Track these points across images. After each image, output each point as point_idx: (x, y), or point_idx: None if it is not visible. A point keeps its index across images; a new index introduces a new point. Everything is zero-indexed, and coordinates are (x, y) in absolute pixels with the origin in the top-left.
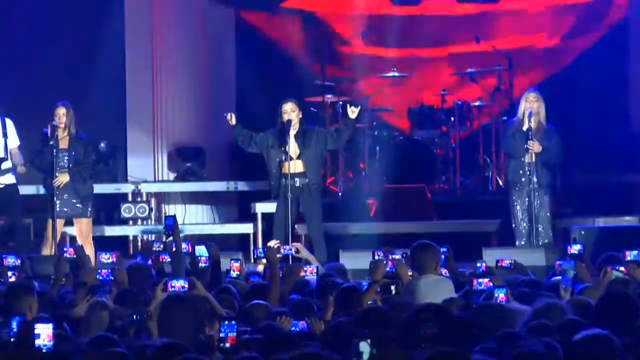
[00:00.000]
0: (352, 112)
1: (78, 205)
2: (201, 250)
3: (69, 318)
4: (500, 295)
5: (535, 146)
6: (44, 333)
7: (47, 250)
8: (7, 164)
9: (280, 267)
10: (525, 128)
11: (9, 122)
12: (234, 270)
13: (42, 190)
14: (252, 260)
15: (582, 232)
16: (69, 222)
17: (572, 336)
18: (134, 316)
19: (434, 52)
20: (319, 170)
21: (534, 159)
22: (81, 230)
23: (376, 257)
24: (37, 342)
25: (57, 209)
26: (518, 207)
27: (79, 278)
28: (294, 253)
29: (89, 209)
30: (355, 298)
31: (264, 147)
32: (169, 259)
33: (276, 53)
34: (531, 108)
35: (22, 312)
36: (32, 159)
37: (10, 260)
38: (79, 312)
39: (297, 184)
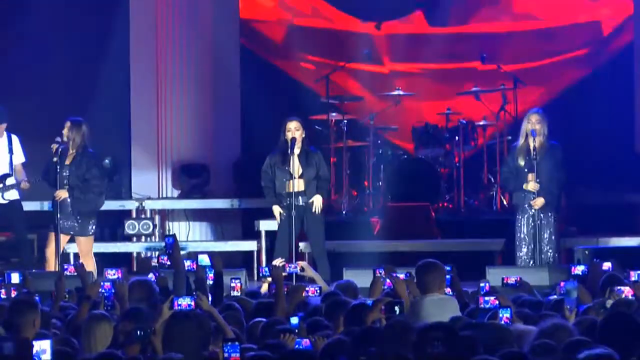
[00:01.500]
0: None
1: (77, 223)
2: (204, 260)
3: (75, 334)
4: (505, 316)
5: (537, 202)
6: (44, 350)
7: (50, 265)
8: (11, 180)
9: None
10: (528, 147)
11: (15, 139)
12: (234, 290)
13: (46, 207)
14: (256, 278)
15: (586, 252)
16: (72, 238)
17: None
18: (138, 332)
19: (439, 70)
20: (322, 188)
21: (537, 179)
22: (80, 248)
23: (377, 275)
24: (43, 358)
25: (60, 225)
26: (521, 229)
27: (84, 292)
28: (299, 271)
29: (89, 227)
30: (363, 316)
31: (274, 175)
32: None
33: (281, 70)
34: (534, 129)
35: (25, 328)
36: (43, 175)
37: (13, 277)
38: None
39: (300, 203)
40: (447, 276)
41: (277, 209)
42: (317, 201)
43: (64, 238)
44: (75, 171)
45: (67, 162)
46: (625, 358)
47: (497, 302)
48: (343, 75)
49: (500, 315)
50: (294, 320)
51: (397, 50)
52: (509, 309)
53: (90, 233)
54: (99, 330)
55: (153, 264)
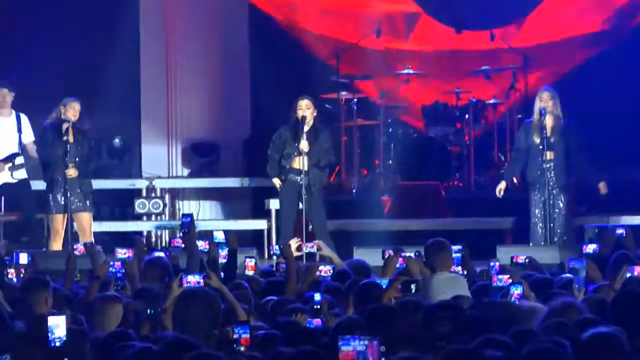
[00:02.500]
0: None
1: (79, 200)
2: (218, 236)
3: (85, 313)
4: (516, 292)
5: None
6: (58, 326)
7: (57, 245)
8: (20, 159)
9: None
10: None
11: (24, 118)
12: (248, 269)
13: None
14: (267, 257)
15: (596, 231)
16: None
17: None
18: (149, 310)
19: (448, 49)
20: (324, 168)
21: (551, 157)
22: (82, 225)
23: (389, 255)
24: (51, 335)
25: (62, 204)
26: (535, 207)
27: (93, 272)
28: (315, 250)
29: (90, 204)
30: (374, 295)
31: (281, 146)
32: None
33: (291, 48)
34: (545, 106)
35: (37, 307)
36: (38, 148)
37: (22, 257)
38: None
39: (301, 181)
40: (458, 255)
41: (276, 181)
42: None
43: (63, 217)
44: (80, 150)
45: (70, 141)
46: (635, 337)
47: (510, 281)
48: (354, 54)
49: (512, 291)
50: (317, 296)
51: (407, 29)
52: (520, 285)
53: (90, 210)
54: (110, 311)
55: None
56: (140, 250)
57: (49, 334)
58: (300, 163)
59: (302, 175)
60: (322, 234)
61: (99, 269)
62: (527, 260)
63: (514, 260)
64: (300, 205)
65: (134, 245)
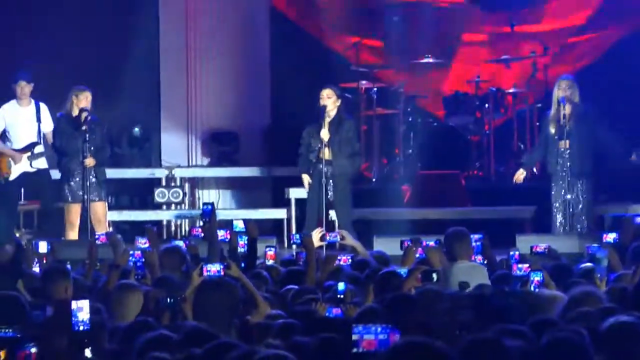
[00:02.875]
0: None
1: (94, 189)
2: (238, 225)
3: (104, 302)
4: (536, 279)
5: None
6: (82, 309)
7: (74, 234)
8: (39, 148)
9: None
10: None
11: (44, 107)
12: (268, 259)
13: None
14: (286, 246)
15: (616, 220)
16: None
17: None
18: (168, 299)
19: (469, 37)
20: (350, 157)
21: (568, 146)
22: (97, 215)
23: (406, 246)
24: (75, 319)
25: (78, 193)
26: (555, 196)
27: (114, 261)
28: (339, 240)
29: (105, 193)
30: (394, 284)
31: (309, 142)
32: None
33: (311, 37)
34: (564, 95)
35: (57, 295)
36: (55, 139)
37: (41, 246)
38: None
39: (327, 170)
40: (478, 244)
41: (305, 178)
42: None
43: (77, 207)
44: (94, 139)
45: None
46: None
47: (529, 270)
48: (373, 44)
49: (532, 278)
50: (341, 286)
51: (427, 19)
52: (540, 272)
53: (106, 199)
54: (129, 299)
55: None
56: (153, 239)
57: (73, 318)
58: (323, 153)
59: (328, 165)
60: (346, 223)
61: (119, 258)
62: (546, 250)
63: (534, 250)
64: (330, 194)
65: (146, 235)
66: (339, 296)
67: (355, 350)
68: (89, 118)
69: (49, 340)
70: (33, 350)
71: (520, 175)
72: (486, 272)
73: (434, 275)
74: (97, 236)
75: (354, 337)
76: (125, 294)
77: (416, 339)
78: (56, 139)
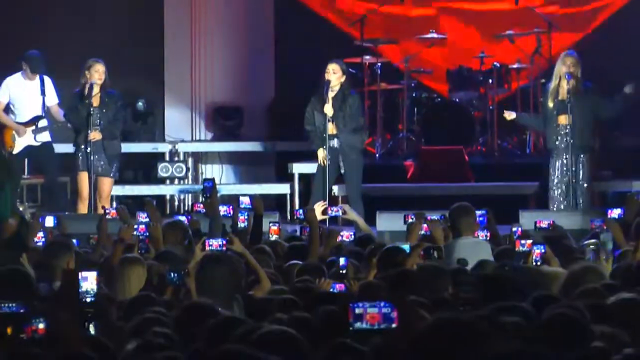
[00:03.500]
0: None
1: (103, 164)
2: (244, 202)
3: (108, 277)
4: (537, 252)
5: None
6: (89, 280)
7: (84, 207)
8: (43, 122)
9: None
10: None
11: (47, 80)
12: (272, 234)
13: None
14: (289, 220)
15: (620, 196)
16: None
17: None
18: (172, 274)
19: (472, 12)
20: (355, 132)
21: (571, 122)
22: (101, 189)
23: (413, 221)
24: (82, 288)
25: (87, 164)
26: (554, 172)
27: (117, 235)
28: (341, 214)
29: (113, 170)
30: (397, 260)
31: (312, 112)
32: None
33: (315, 12)
34: (569, 72)
35: (59, 270)
36: (67, 114)
37: (48, 220)
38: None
39: (334, 145)
40: (482, 219)
41: (321, 152)
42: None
43: (87, 179)
44: (106, 113)
45: (95, 104)
46: None
47: (532, 246)
48: (377, 18)
49: (534, 250)
50: (342, 261)
51: None
52: (542, 245)
53: (113, 175)
54: (133, 273)
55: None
56: (152, 213)
57: (80, 289)
58: (329, 128)
59: (334, 139)
60: (354, 197)
61: (123, 233)
62: (550, 225)
63: (537, 225)
64: (341, 169)
65: (145, 209)
66: (341, 271)
67: (358, 324)
68: (95, 91)
69: (56, 313)
70: (41, 325)
71: (509, 114)
72: (489, 248)
73: (435, 253)
74: (107, 210)
75: (358, 311)
76: (128, 267)
77: (449, 315)
78: (67, 114)
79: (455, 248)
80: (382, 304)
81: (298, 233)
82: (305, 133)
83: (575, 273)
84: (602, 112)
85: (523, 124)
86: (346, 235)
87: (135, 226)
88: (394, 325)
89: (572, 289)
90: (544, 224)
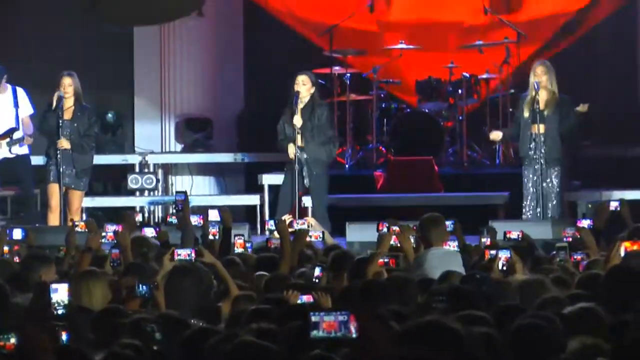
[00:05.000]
0: None
1: (72, 176)
2: (213, 215)
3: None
4: (504, 257)
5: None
6: (60, 291)
7: (54, 218)
8: (18, 134)
9: None
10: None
11: (20, 91)
12: (238, 247)
13: None
14: (259, 232)
15: (590, 206)
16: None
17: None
18: (140, 286)
19: (441, 23)
20: (323, 144)
21: (542, 131)
22: (70, 201)
23: (382, 229)
24: (53, 300)
25: (56, 176)
26: (527, 181)
27: (85, 244)
28: (306, 227)
29: (83, 183)
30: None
31: (283, 125)
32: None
33: (284, 24)
34: (539, 81)
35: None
36: (39, 125)
37: (16, 233)
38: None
39: (301, 157)
40: (449, 229)
41: (291, 148)
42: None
43: (57, 189)
44: (77, 127)
45: (67, 117)
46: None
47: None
48: (346, 29)
49: (500, 255)
50: (317, 270)
51: (400, 3)
52: (507, 250)
53: (82, 189)
54: (93, 287)
55: (137, 218)
56: (130, 225)
57: (51, 301)
58: (297, 139)
59: (302, 151)
60: (320, 210)
61: (91, 241)
62: (519, 236)
63: (507, 235)
64: (305, 180)
65: (123, 220)
66: (314, 280)
67: (315, 333)
68: (67, 105)
69: (26, 327)
70: (12, 340)
71: (496, 136)
72: (460, 258)
73: (398, 261)
74: (75, 223)
75: (314, 319)
76: (88, 281)
77: (427, 319)
78: (38, 125)
79: (427, 259)
80: (338, 312)
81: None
82: (277, 145)
83: (532, 282)
84: (559, 126)
85: (507, 140)
86: (315, 236)
87: (104, 234)
88: (352, 335)
89: (529, 298)
90: (514, 235)
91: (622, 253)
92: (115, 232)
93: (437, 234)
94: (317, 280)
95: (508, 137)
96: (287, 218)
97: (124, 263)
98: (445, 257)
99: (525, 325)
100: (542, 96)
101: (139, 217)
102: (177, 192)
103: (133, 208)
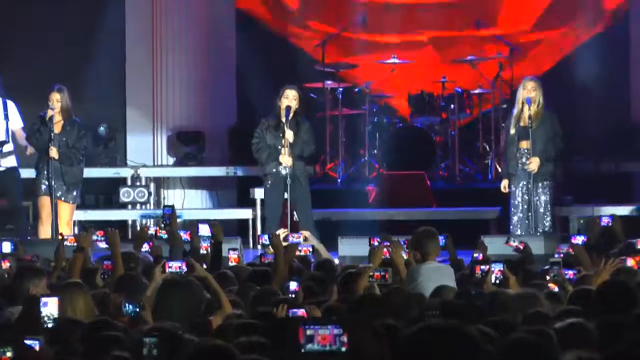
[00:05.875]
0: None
1: (63, 189)
2: (204, 230)
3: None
4: (497, 269)
5: (532, 164)
6: (49, 305)
7: (44, 230)
8: (8, 147)
9: None
10: (523, 116)
11: (11, 104)
12: (231, 262)
13: None
14: (252, 246)
15: (582, 221)
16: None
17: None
18: (127, 305)
19: (434, 38)
20: (308, 159)
21: (529, 146)
22: (60, 214)
23: (376, 245)
24: (42, 313)
25: (47, 188)
26: (516, 196)
27: (76, 244)
28: (302, 242)
29: (72, 195)
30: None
31: (264, 135)
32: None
33: (276, 37)
34: (529, 96)
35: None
36: (29, 138)
37: (5, 246)
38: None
39: (288, 171)
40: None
41: (281, 159)
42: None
43: (49, 202)
44: (66, 140)
45: (57, 130)
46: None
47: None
48: (339, 43)
49: (493, 268)
50: (293, 285)
51: (393, 18)
52: (501, 263)
53: (72, 201)
54: (75, 299)
55: (150, 232)
56: (142, 238)
57: (41, 314)
58: (284, 153)
59: (286, 166)
60: (308, 224)
61: (82, 240)
62: (518, 248)
63: (508, 245)
64: (286, 195)
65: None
66: (290, 296)
67: (310, 346)
68: (55, 118)
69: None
70: (8, 354)
71: (505, 184)
72: (453, 273)
73: (387, 276)
74: (66, 237)
75: (309, 332)
76: (71, 293)
77: (443, 322)
78: (28, 136)
79: (421, 272)
80: (333, 325)
81: (259, 258)
82: (255, 154)
83: (521, 297)
84: (547, 147)
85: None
86: (304, 250)
87: (95, 231)
88: (343, 349)
89: (519, 313)
90: (514, 245)
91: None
92: (105, 231)
93: (431, 248)
94: (292, 296)
95: (510, 170)
96: (282, 232)
97: (115, 272)
98: (439, 271)
99: (519, 339)
100: (531, 111)
101: (151, 231)
102: (164, 206)
103: (125, 221)
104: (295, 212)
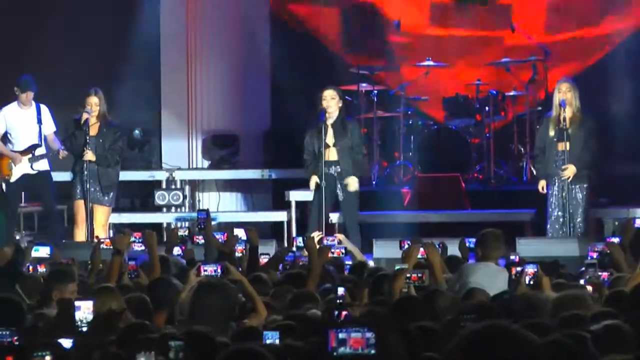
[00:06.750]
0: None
1: (98, 192)
2: (239, 234)
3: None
4: (530, 271)
5: (567, 171)
6: (82, 309)
7: (80, 234)
8: (41, 150)
9: None
10: (560, 118)
11: (44, 108)
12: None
13: None
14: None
15: (616, 223)
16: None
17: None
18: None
19: (469, 40)
20: (358, 161)
21: (567, 148)
22: (96, 217)
23: (403, 246)
24: (76, 316)
25: (83, 191)
26: (552, 199)
27: (113, 247)
28: (336, 244)
29: (108, 198)
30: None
31: (311, 140)
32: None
33: (311, 40)
34: (564, 98)
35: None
36: (64, 141)
37: (42, 250)
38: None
39: (332, 172)
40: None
41: (313, 179)
42: (352, 183)
43: (83, 206)
44: (103, 143)
45: (93, 133)
46: None
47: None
48: (374, 46)
49: (527, 270)
50: (340, 290)
51: (428, 21)
52: (535, 264)
53: (108, 204)
54: (106, 304)
55: (180, 233)
56: (173, 240)
57: (75, 318)
58: (326, 155)
59: (332, 167)
60: (352, 226)
61: (119, 242)
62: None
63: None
64: (339, 195)
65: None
66: (338, 302)
67: (342, 349)
68: (91, 121)
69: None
70: (47, 358)
71: (542, 184)
72: (507, 277)
73: (424, 277)
74: (101, 239)
75: (342, 336)
76: (101, 296)
77: (497, 322)
78: (66, 142)
79: (474, 271)
80: (365, 329)
81: (293, 261)
82: (304, 161)
83: (559, 299)
84: (583, 150)
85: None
86: (337, 252)
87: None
88: (373, 351)
89: (556, 315)
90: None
91: None
92: (142, 232)
93: (494, 250)
94: (340, 301)
95: (545, 171)
96: (316, 235)
97: (151, 274)
98: (496, 274)
99: (556, 342)
100: (567, 114)
101: (181, 232)
102: (199, 210)
103: (160, 224)
104: (332, 215)
